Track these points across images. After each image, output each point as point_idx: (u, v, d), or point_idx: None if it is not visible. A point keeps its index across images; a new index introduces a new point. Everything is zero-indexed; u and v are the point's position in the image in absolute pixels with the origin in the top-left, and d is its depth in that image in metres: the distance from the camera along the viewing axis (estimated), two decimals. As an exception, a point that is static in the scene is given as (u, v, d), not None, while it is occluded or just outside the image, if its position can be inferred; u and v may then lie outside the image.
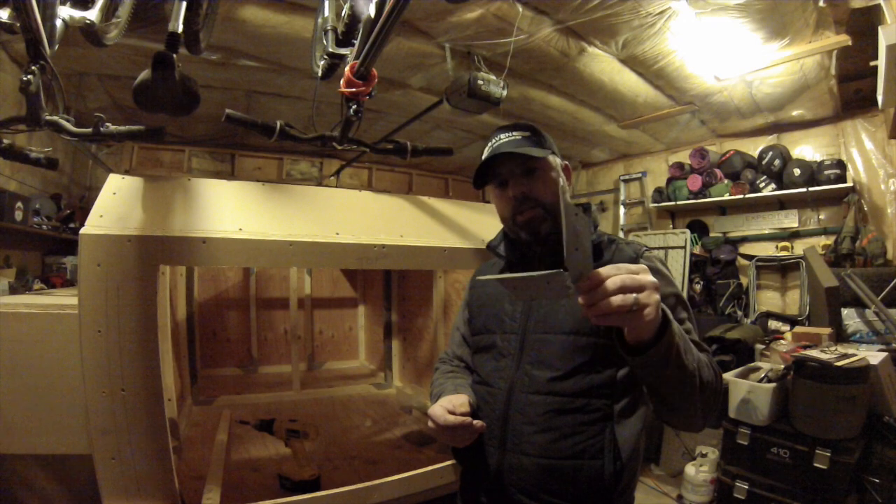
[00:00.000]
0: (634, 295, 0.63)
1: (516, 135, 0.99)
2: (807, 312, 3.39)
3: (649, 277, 0.66)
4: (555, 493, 0.90)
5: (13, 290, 2.68)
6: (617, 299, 0.62)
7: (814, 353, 2.20)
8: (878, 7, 2.14)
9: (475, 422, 0.87)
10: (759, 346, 2.83)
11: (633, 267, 0.66)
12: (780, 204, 3.87)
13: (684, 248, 4.04)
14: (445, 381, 1.05)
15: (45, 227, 3.24)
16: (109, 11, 1.42)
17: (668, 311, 0.72)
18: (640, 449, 0.96)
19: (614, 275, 0.64)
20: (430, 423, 0.90)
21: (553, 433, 0.89)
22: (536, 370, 0.93)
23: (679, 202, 4.30)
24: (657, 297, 0.66)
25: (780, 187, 3.70)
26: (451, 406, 0.88)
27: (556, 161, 1.02)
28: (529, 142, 0.98)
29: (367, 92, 1.35)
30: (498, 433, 0.95)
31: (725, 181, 4.01)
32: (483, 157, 1.01)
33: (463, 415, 0.87)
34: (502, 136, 1.00)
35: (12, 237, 3.03)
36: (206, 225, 1.31)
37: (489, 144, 1.01)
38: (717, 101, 3.50)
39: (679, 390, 0.78)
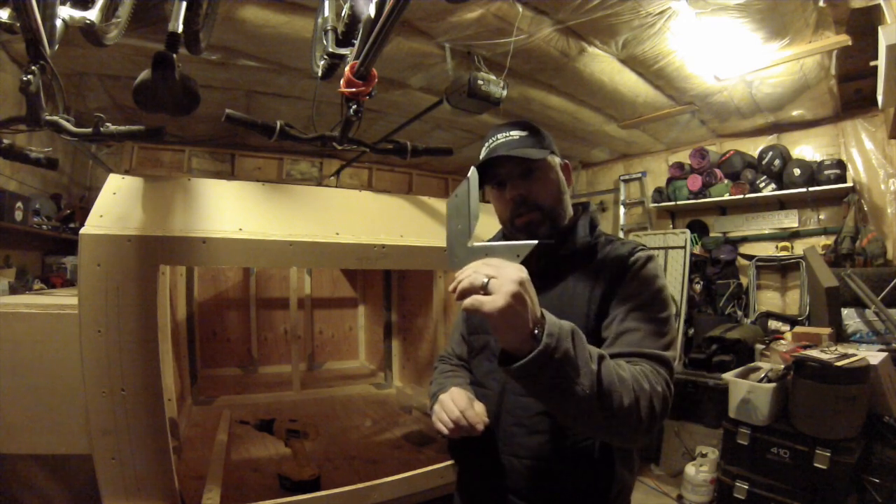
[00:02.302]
0: (485, 279, 0.63)
1: (514, 134, 0.97)
2: (807, 312, 3.39)
3: (512, 271, 0.64)
4: (547, 496, 0.89)
5: (13, 290, 2.68)
6: (468, 279, 0.64)
7: (814, 353, 2.20)
8: (878, 7, 2.14)
9: (484, 422, 0.88)
10: (759, 346, 2.83)
11: (505, 262, 0.66)
12: (780, 204, 3.87)
13: (684, 248, 4.04)
14: (445, 381, 1.03)
15: (45, 227, 3.24)
16: (109, 11, 1.42)
17: (561, 330, 0.67)
18: (632, 453, 0.94)
19: (480, 264, 0.66)
20: (437, 410, 0.90)
21: (544, 435, 0.89)
22: None
23: (679, 202, 4.30)
24: (511, 287, 0.62)
25: (780, 187, 3.70)
26: (473, 407, 0.90)
27: (555, 160, 1.00)
28: (528, 141, 0.96)
29: (367, 92, 1.35)
30: (492, 435, 0.94)
31: (725, 181, 4.00)
32: (480, 158, 0.99)
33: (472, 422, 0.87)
34: (499, 135, 0.98)
35: (12, 237, 3.03)
36: (206, 225, 1.31)
37: (486, 144, 0.99)
38: (717, 101, 3.50)
39: (570, 413, 0.72)
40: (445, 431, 0.88)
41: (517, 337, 0.64)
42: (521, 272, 0.65)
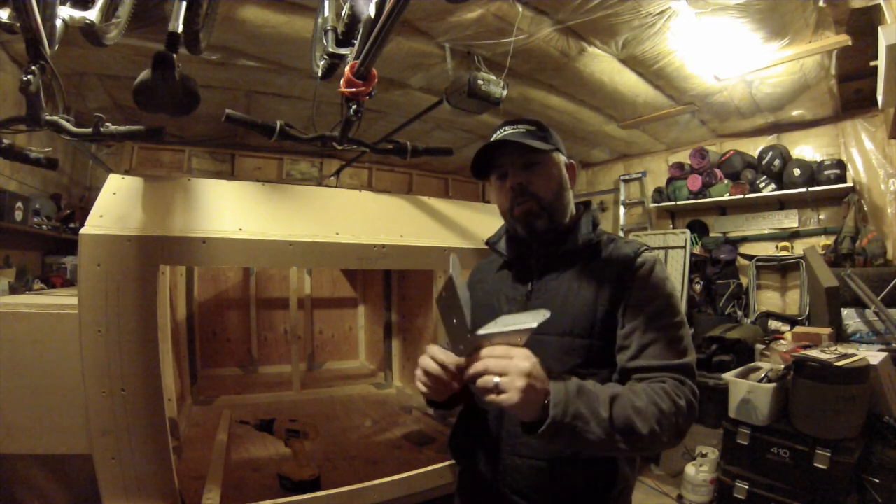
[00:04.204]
0: (496, 380, 0.69)
1: (521, 128, 0.98)
2: (807, 312, 3.39)
3: (519, 364, 0.69)
4: (549, 495, 0.89)
5: (13, 290, 2.68)
6: (481, 381, 0.70)
7: (814, 353, 2.20)
8: (878, 7, 2.14)
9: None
10: (759, 346, 2.83)
11: (511, 351, 0.71)
12: (780, 204, 3.87)
13: (684, 248, 4.04)
14: None
15: (45, 227, 3.24)
16: (109, 11, 1.42)
17: (566, 396, 0.72)
18: None
19: (485, 357, 0.71)
20: (422, 362, 0.82)
21: None
22: None
23: (679, 202, 4.30)
24: (521, 383, 0.68)
25: (780, 187, 3.70)
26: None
27: (559, 158, 1.01)
28: (534, 136, 0.97)
29: (367, 92, 1.35)
30: (494, 434, 0.94)
31: (725, 181, 4.00)
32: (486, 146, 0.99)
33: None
34: (507, 128, 0.99)
35: (12, 237, 3.03)
36: (206, 225, 1.31)
37: (494, 135, 1.00)
38: (717, 101, 3.50)
39: (594, 451, 0.79)
40: (425, 389, 0.83)
41: (532, 413, 0.71)
42: (526, 361, 0.70)
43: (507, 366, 0.69)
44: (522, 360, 0.70)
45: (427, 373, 0.79)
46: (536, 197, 0.96)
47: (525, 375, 0.69)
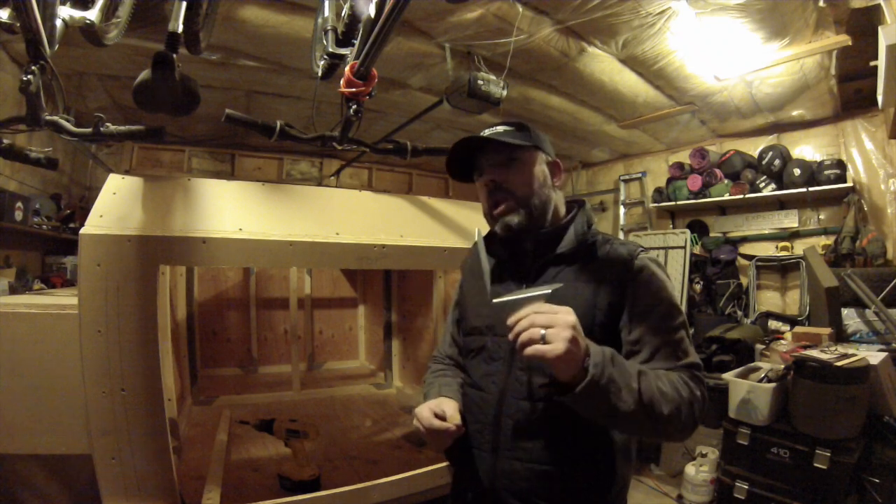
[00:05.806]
0: (542, 331, 0.71)
1: (500, 128, 0.97)
2: (807, 312, 3.39)
3: (565, 317, 0.72)
4: (548, 498, 0.89)
5: (13, 290, 2.68)
6: (526, 334, 0.72)
7: (814, 353, 2.20)
8: (878, 7, 2.14)
9: (454, 425, 0.88)
10: (759, 346, 2.83)
11: (555, 307, 0.74)
12: (780, 204, 3.87)
13: (684, 248, 4.04)
14: (433, 381, 1.06)
15: (45, 227, 3.24)
16: (109, 11, 1.42)
17: (604, 358, 0.75)
18: (632, 452, 0.95)
19: (532, 313, 0.73)
20: (415, 422, 0.92)
21: (545, 439, 0.88)
22: (528, 376, 0.91)
23: (679, 202, 4.30)
24: (567, 334, 0.71)
25: (780, 187, 3.70)
26: (439, 410, 0.90)
27: (540, 155, 0.99)
28: (513, 135, 0.96)
29: (367, 92, 1.36)
30: (490, 438, 0.94)
31: (725, 181, 4.00)
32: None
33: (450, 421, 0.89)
34: (487, 130, 0.98)
35: (12, 237, 3.03)
36: (206, 225, 1.31)
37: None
38: (717, 101, 3.50)
39: (620, 425, 0.82)
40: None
41: (572, 371, 0.73)
42: (571, 315, 0.73)
43: (554, 319, 0.72)
44: (567, 314, 0.73)
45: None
46: (511, 193, 0.95)
47: (571, 327, 0.71)
